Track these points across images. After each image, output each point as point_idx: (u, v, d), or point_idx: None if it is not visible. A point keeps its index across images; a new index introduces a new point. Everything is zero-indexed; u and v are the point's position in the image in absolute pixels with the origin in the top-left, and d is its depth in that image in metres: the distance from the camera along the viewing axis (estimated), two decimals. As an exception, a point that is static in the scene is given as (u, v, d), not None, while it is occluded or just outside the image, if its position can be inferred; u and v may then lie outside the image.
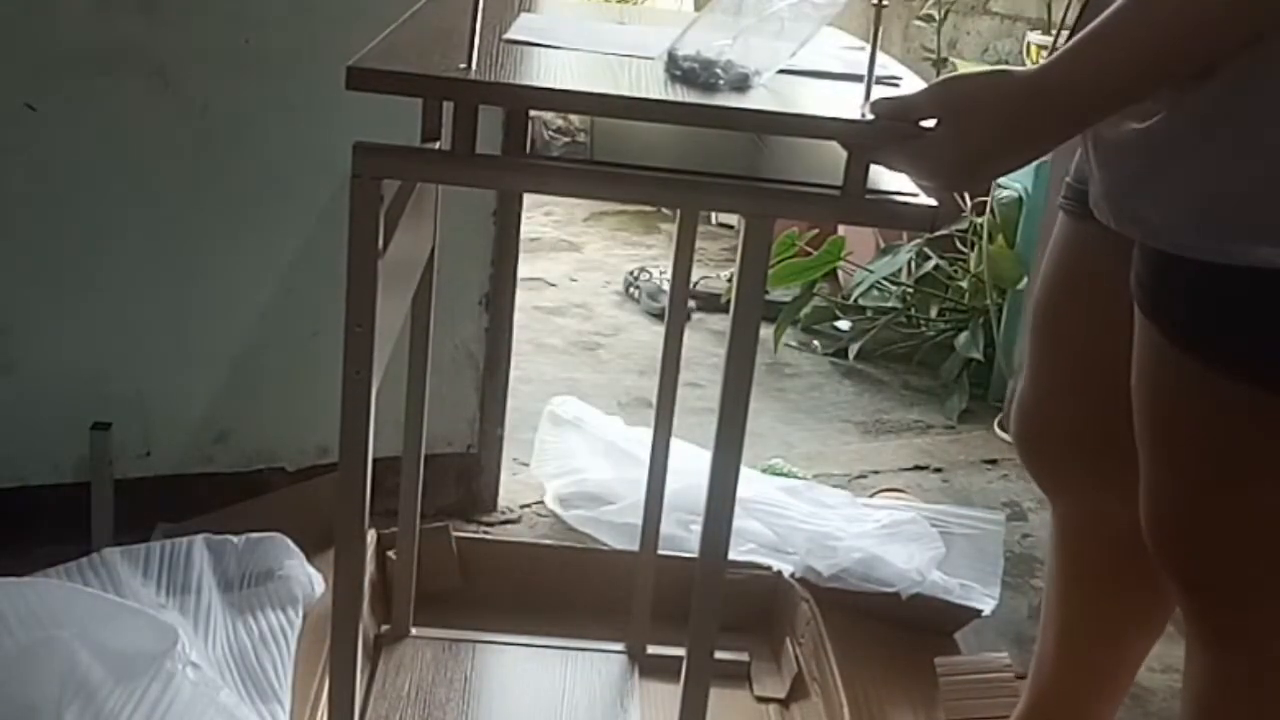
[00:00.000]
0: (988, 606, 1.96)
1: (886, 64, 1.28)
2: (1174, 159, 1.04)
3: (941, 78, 1.07)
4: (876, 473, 2.67)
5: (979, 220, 3.13)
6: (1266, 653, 1.17)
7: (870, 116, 1.07)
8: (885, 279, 3.38)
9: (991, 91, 1.02)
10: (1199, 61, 0.98)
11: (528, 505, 2.35)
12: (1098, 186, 1.13)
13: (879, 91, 1.11)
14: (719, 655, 1.31)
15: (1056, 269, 1.37)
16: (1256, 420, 1.07)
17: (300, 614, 1.73)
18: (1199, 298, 1.06)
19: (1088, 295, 1.33)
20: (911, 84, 1.24)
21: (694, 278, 1.98)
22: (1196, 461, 1.13)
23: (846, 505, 2.23)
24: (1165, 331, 1.10)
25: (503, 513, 2.31)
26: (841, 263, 3.32)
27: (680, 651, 1.28)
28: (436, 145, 1.33)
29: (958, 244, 3.31)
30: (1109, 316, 1.28)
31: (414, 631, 1.82)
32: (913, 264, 3.37)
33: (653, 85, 1.10)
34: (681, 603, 1.31)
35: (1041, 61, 1.04)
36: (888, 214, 1.13)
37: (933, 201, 1.09)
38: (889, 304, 3.44)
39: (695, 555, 1.25)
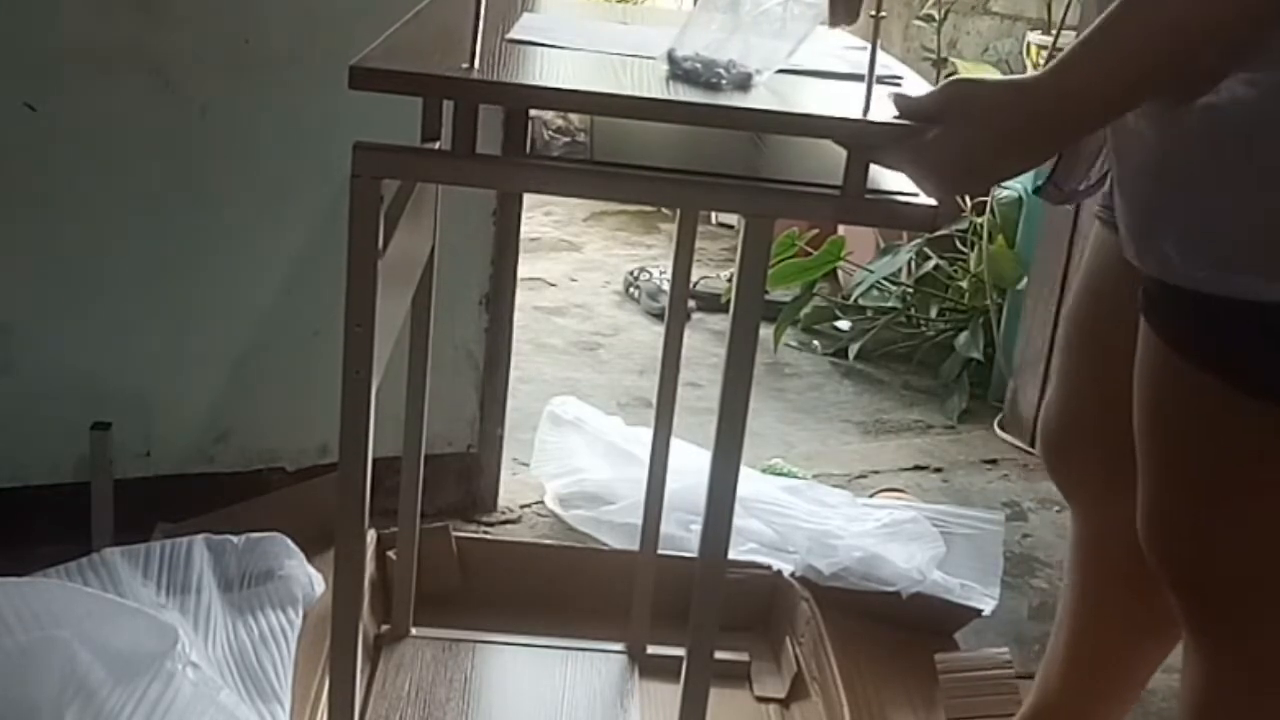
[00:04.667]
0: (988, 606, 1.96)
1: (888, 63, 1.28)
2: (1188, 189, 1.02)
3: (950, 79, 1.06)
4: (876, 473, 2.67)
5: (979, 220, 3.13)
6: (1266, 664, 1.16)
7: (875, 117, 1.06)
8: (885, 279, 3.38)
9: (996, 96, 1.01)
10: (1198, 62, 0.97)
11: (528, 505, 2.35)
12: (1120, 218, 1.12)
13: (880, 92, 1.11)
14: (719, 655, 1.31)
15: (1089, 278, 1.38)
16: (1265, 430, 1.06)
17: (300, 614, 1.72)
18: (1212, 323, 1.04)
19: (1118, 305, 1.32)
20: (912, 83, 1.24)
21: (694, 278, 1.97)
22: (1200, 470, 1.12)
23: (847, 504, 2.23)
24: (1172, 344, 1.09)
25: (503, 513, 2.31)
26: (841, 263, 3.32)
27: (680, 651, 1.27)
28: (436, 145, 1.33)
29: (958, 244, 3.31)
30: (1138, 327, 1.28)
31: (414, 631, 1.82)
32: (913, 264, 3.37)
33: (654, 85, 1.10)
34: (681, 603, 1.31)
35: (1042, 64, 1.03)
36: (888, 214, 1.13)
37: (933, 201, 1.09)
38: (889, 304, 3.44)
39: (695, 555, 1.25)
